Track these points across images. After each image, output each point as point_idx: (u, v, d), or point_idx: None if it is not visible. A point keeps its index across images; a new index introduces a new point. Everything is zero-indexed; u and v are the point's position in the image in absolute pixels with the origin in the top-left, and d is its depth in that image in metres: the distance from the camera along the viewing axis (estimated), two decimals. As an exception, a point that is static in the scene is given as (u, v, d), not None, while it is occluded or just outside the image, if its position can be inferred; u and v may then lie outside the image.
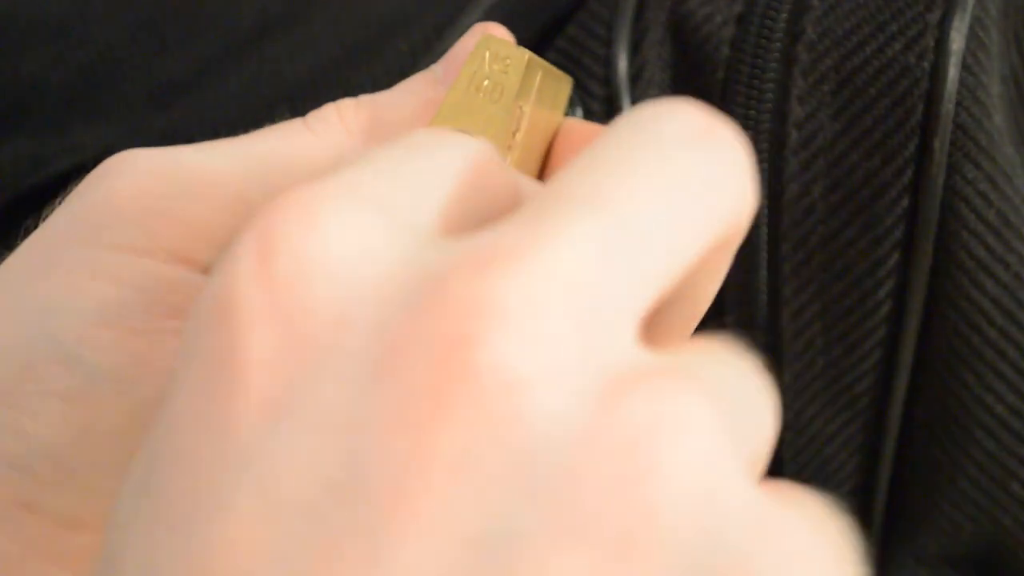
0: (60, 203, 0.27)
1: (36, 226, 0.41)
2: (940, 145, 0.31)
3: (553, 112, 0.29)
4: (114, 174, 0.26)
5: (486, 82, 0.27)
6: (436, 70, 0.29)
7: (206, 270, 0.26)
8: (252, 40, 0.43)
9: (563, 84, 0.30)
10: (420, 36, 0.38)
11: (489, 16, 0.37)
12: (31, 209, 0.42)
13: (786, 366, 0.35)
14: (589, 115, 0.34)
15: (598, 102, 0.34)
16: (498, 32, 0.29)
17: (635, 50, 0.34)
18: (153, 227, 0.25)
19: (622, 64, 0.34)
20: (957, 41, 0.31)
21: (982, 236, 0.32)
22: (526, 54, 0.27)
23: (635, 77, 0.34)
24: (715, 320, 0.35)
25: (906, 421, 0.35)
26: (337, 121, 0.28)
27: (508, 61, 0.27)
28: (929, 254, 0.32)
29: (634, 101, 0.34)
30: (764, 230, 0.33)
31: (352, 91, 0.37)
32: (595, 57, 0.34)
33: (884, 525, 0.37)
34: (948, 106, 0.31)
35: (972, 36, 0.31)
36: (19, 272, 0.25)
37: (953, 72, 0.31)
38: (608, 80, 0.34)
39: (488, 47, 0.27)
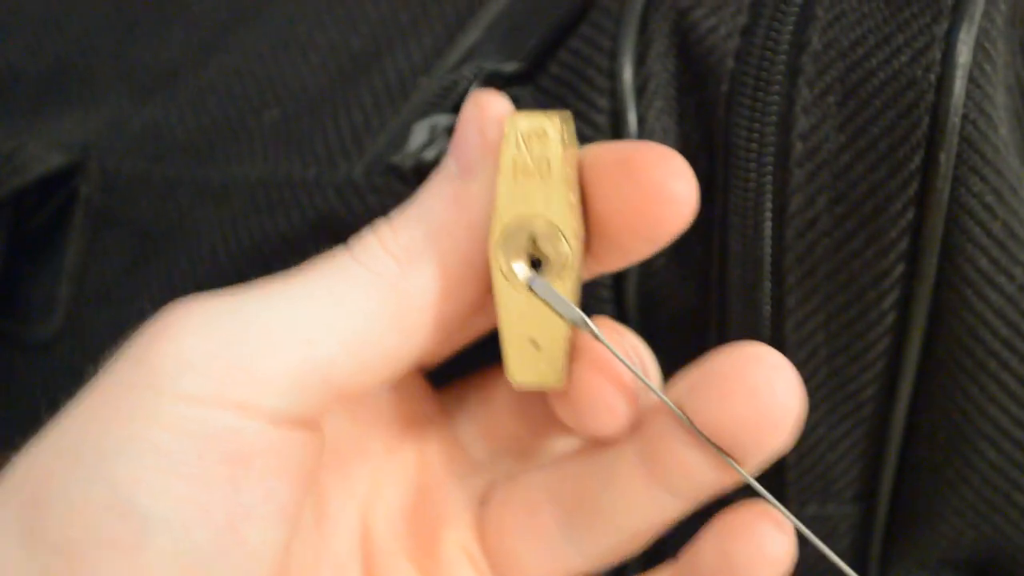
0: (118, 351, 0.27)
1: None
2: (946, 158, 0.31)
3: (574, 148, 0.29)
4: (178, 322, 0.26)
5: (529, 162, 0.27)
6: (449, 166, 0.29)
7: (269, 418, 0.26)
8: (227, 28, 0.42)
9: (570, 119, 0.30)
10: (419, 54, 0.38)
11: (490, 32, 0.37)
12: (8, 212, 0.42)
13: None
14: (593, 128, 0.34)
15: (603, 115, 0.34)
16: (496, 104, 0.28)
17: (640, 62, 0.34)
18: (219, 376, 0.26)
19: (627, 76, 0.33)
20: (964, 53, 0.31)
21: (987, 249, 0.32)
22: (556, 120, 0.27)
23: (640, 89, 0.34)
24: (718, 329, 0.35)
25: (909, 429, 0.35)
26: (380, 248, 0.28)
27: (543, 132, 0.27)
28: (934, 266, 0.32)
29: (639, 113, 0.34)
30: (768, 241, 0.33)
31: (350, 106, 0.37)
32: (599, 69, 0.34)
33: (887, 531, 0.37)
34: (954, 119, 0.31)
35: (979, 48, 0.31)
36: (81, 417, 0.26)
37: (959, 85, 0.31)
38: (613, 92, 0.33)
39: (516, 127, 0.27)
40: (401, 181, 0.35)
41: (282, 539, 0.27)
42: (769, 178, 0.32)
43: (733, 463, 0.27)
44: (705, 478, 0.28)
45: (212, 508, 0.25)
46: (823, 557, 0.38)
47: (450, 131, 0.34)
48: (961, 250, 0.32)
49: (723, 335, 0.35)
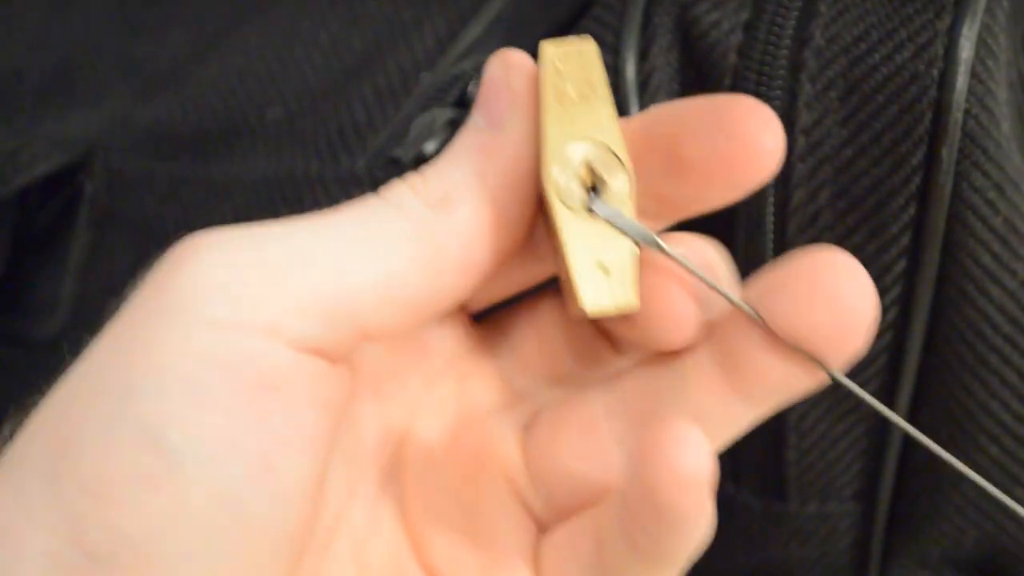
0: (140, 282, 0.26)
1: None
2: (948, 153, 0.31)
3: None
4: (202, 248, 0.26)
5: (570, 86, 0.27)
6: (476, 120, 0.29)
7: (295, 344, 0.26)
8: (230, 26, 0.43)
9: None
10: (421, 49, 0.38)
11: (493, 28, 0.37)
12: (13, 210, 0.42)
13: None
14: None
15: (606, 109, 0.34)
16: (518, 58, 0.28)
17: (643, 57, 0.34)
18: (243, 300, 0.25)
19: (630, 71, 0.34)
20: (966, 49, 0.31)
21: (989, 244, 0.32)
22: (591, 41, 0.27)
23: (643, 84, 0.34)
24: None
25: (911, 424, 0.35)
26: (411, 194, 0.28)
27: (581, 53, 0.27)
28: (935, 262, 0.32)
29: (642, 108, 0.34)
30: (770, 235, 0.33)
31: (353, 102, 0.37)
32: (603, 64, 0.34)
33: (888, 528, 0.37)
34: (956, 114, 0.31)
35: (981, 43, 0.31)
36: (105, 351, 0.25)
37: (962, 80, 0.31)
38: (616, 87, 0.34)
39: (551, 55, 0.27)
40: (402, 174, 0.35)
41: (313, 472, 0.26)
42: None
43: (820, 364, 0.26)
44: (783, 383, 0.27)
45: (243, 440, 0.24)
46: (824, 555, 0.38)
47: (450, 124, 0.35)
48: (963, 245, 0.32)
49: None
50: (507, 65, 0.28)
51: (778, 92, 0.32)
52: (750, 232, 0.33)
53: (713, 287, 0.27)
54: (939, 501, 0.36)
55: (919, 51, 0.31)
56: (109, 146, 0.43)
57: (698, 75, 0.34)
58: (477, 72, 0.35)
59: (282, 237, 0.26)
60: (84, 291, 0.43)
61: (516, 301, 0.32)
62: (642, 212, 0.28)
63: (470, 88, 0.35)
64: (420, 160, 0.34)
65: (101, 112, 0.44)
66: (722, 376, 0.27)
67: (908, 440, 0.35)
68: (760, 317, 0.26)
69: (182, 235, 0.40)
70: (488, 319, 0.32)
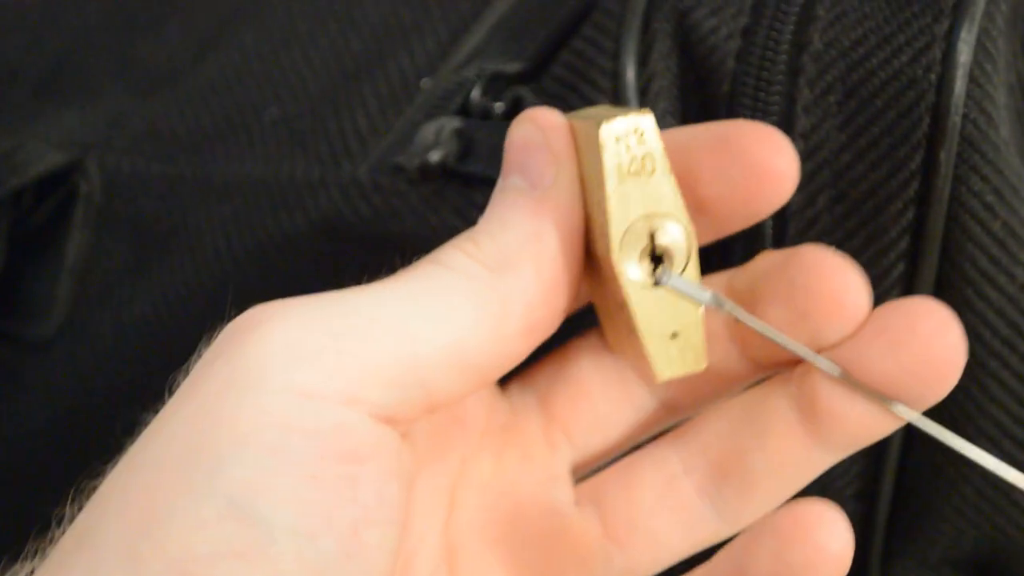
0: (201, 354, 0.26)
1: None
2: (946, 157, 0.31)
3: None
4: (272, 318, 0.25)
5: (632, 163, 0.27)
6: (515, 183, 0.29)
7: (377, 412, 0.25)
8: (226, 25, 0.42)
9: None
10: (422, 53, 0.38)
11: (494, 33, 0.37)
12: (8, 210, 0.42)
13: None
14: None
15: (606, 115, 0.34)
16: (550, 117, 0.29)
17: (642, 63, 0.34)
18: (326, 367, 0.25)
19: (630, 77, 0.34)
20: (964, 53, 0.31)
21: (987, 248, 0.32)
22: (649, 114, 0.27)
23: (643, 90, 0.34)
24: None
25: (910, 428, 0.35)
26: (467, 258, 0.28)
27: (640, 130, 0.27)
28: (934, 265, 0.32)
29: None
30: (769, 239, 0.33)
31: (354, 107, 0.37)
32: (602, 70, 0.34)
33: (888, 529, 0.37)
34: (955, 118, 0.31)
35: (979, 47, 0.31)
36: (181, 425, 0.25)
37: (960, 84, 0.31)
38: (616, 93, 0.34)
39: (612, 132, 0.27)
40: (406, 181, 0.35)
41: (396, 545, 0.25)
42: (771, 177, 0.32)
43: (907, 411, 0.27)
44: (863, 429, 0.28)
45: (335, 512, 0.24)
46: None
47: (457, 133, 0.34)
48: (962, 249, 0.32)
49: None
50: (541, 126, 0.28)
51: (776, 97, 0.32)
52: (748, 236, 0.33)
53: (791, 346, 0.27)
54: (937, 503, 0.36)
55: (917, 55, 0.31)
56: (104, 146, 0.42)
57: (697, 80, 0.34)
58: (480, 79, 0.35)
59: (347, 305, 0.26)
60: (80, 292, 0.43)
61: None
62: None
63: (473, 96, 0.35)
64: (424, 168, 0.34)
65: (96, 111, 0.44)
66: (801, 425, 0.28)
67: (908, 442, 0.35)
68: (842, 371, 0.27)
69: (179, 235, 0.40)
70: (517, 377, 0.33)
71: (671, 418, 0.31)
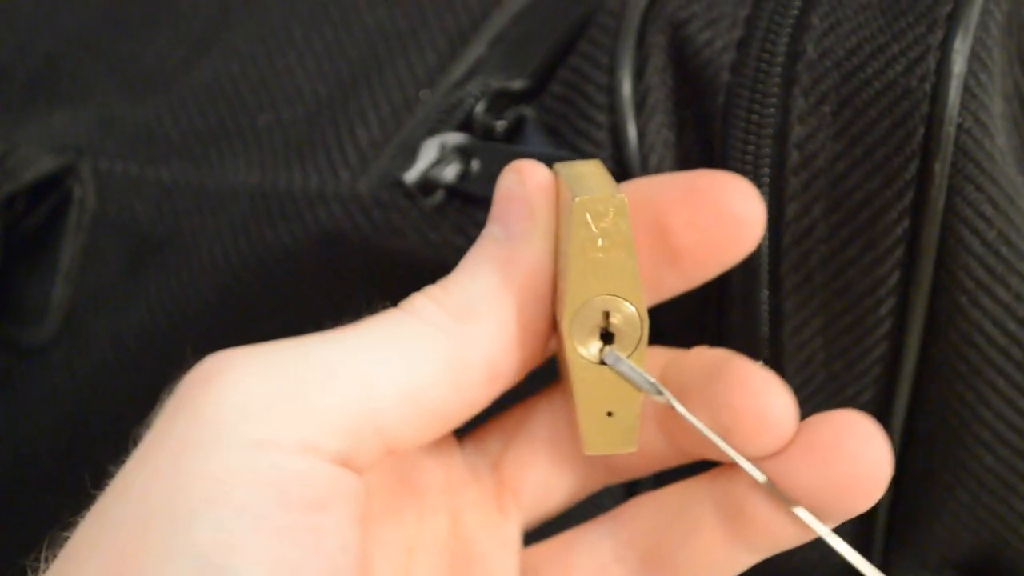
0: (160, 410, 0.26)
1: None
2: (941, 168, 0.31)
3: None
4: (229, 368, 0.26)
5: (600, 241, 0.27)
6: (494, 232, 0.29)
7: (335, 458, 0.25)
8: (218, 27, 0.42)
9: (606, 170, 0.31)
10: (421, 65, 0.37)
11: (494, 48, 0.37)
12: (2, 214, 0.42)
13: (787, 378, 0.35)
14: (594, 144, 0.34)
15: (603, 130, 0.34)
16: (538, 173, 0.29)
17: (638, 77, 0.34)
18: (282, 418, 0.25)
19: (626, 91, 0.34)
20: (959, 63, 0.31)
21: (982, 257, 0.32)
22: (624, 199, 0.27)
23: (639, 104, 0.34)
24: (717, 331, 0.35)
25: (907, 434, 0.35)
26: (434, 305, 0.28)
27: (611, 212, 0.27)
28: (929, 274, 0.32)
29: (639, 128, 0.34)
30: (765, 248, 0.33)
31: (352, 118, 0.37)
32: (598, 85, 0.34)
33: (887, 532, 0.38)
34: (949, 129, 0.31)
35: (974, 57, 0.31)
36: (145, 484, 0.25)
37: (954, 95, 0.31)
38: (612, 108, 0.34)
39: (586, 208, 0.27)
40: (407, 197, 0.35)
41: None
42: (766, 189, 0.33)
43: (822, 529, 0.27)
44: (785, 536, 0.28)
45: (303, 564, 0.24)
46: (825, 556, 0.38)
47: (458, 150, 0.35)
48: (956, 258, 0.32)
49: (721, 341, 0.35)
50: (523, 179, 0.29)
51: (771, 109, 0.32)
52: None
53: (724, 449, 0.27)
54: (935, 507, 0.36)
55: (911, 65, 0.31)
56: (98, 149, 0.42)
57: (692, 93, 0.34)
58: (482, 94, 0.35)
59: (306, 352, 0.26)
60: (75, 297, 0.43)
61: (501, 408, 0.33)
62: None
63: (476, 112, 0.35)
64: (426, 185, 0.34)
65: (89, 112, 0.44)
66: (726, 526, 0.28)
67: (906, 445, 0.36)
68: (768, 481, 0.27)
69: (174, 241, 0.40)
70: (473, 435, 0.33)
71: (613, 481, 0.32)
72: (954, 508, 0.36)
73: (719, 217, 0.28)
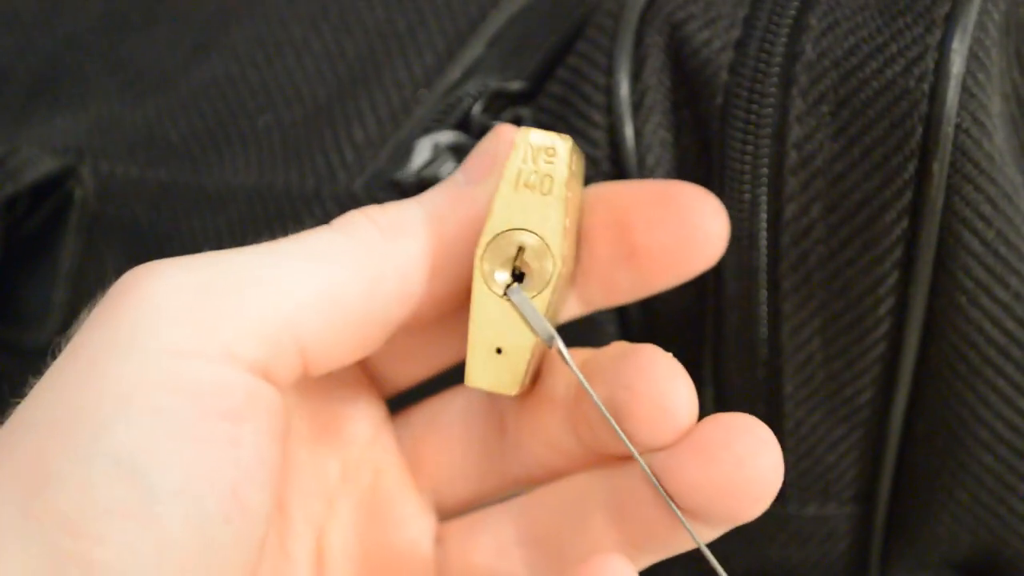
0: (86, 315, 0.26)
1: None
2: (939, 168, 0.31)
3: (580, 182, 0.30)
4: (149, 277, 0.26)
5: (533, 176, 0.27)
6: (457, 177, 0.29)
7: (254, 368, 0.26)
8: (218, 28, 0.42)
9: (582, 155, 0.31)
10: (419, 65, 0.37)
11: (492, 48, 0.37)
12: (2, 216, 0.42)
13: (786, 378, 0.35)
14: (591, 144, 0.34)
15: (600, 130, 0.34)
16: (511, 132, 0.29)
17: (636, 77, 0.34)
18: (200, 325, 0.25)
19: (623, 91, 0.34)
20: (957, 63, 0.31)
21: (981, 257, 0.32)
22: (569, 140, 0.27)
23: (637, 104, 0.34)
24: (715, 331, 0.35)
25: (907, 433, 0.35)
26: (365, 219, 0.28)
27: (552, 151, 0.27)
28: (928, 274, 0.32)
29: (636, 128, 0.34)
30: (764, 251, 0.33)
31: (350, 119, 0.37)
32: (596, 85, 0.34)
33: (886, 530, 0.38)
34: (947, 129, 0.31)
35: (972, 57, 0.31)
36: (68, 386, 0.25)
37: (953, 95, 0.31)
38: (610, 108, 0.34)
39: (529, 139, 0.27)
40: (402, 197, 0.35)
41: (272, 505, 0.26)
42: (764, 190, 0.33)
43: (691, 530, 0.27)
44: (672, 540, 0.27)
45: (217, 472, 0.24)
46: (824, 557, 0.38)
47: (452, 149, 0.35)
48: (955, 258, 0.32)
49: (719, 341, 0.35)
50: (498, 136, 0.29)
51: (769, 109, 0.32)
52: (743, 248, 0.33)
53: (613, 425, 0.27)
54: (934, 507, 0.36)
55: (910, 65, 0.31)
56: (98, 151, 0.42)
57: (690, 93, 0.34)
58: (479, 95, 0.35)
59: (225, 262, 0.26)
60: (75, 298, 0.43)
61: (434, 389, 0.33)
62: (589, 299, 0.31)
63: (473, 112, 0.35)
64: (421, 184, 0.34)
65: (89, 114, 0.44)
66: (614, 521, 0.28)
67: (905, 444, 0.36)
68: (651, 472, 0.27)
69: (173, 243, 0.40)
70: (405, 410, 0.33)
71: (526, 475, 0.31)
72: (953, 508, 0.36)
73: (681, 224, 0.29)
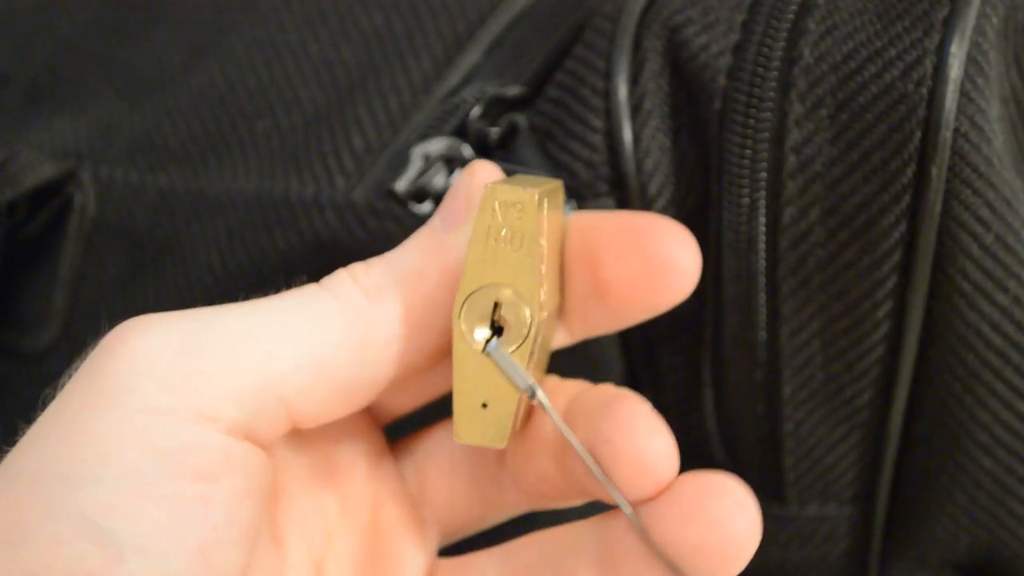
0: (76, 367, 0.27)
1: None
2: (938, 172, 0.31)
3: (558, 215, 0.30)
4: (134, 334, 0.26)
5: (504, 231, 0.27)
6: (435, 222, 0.29)
7: (233, 428, 0.26)
8: (216, 32, 0.42)
9: (558, 188, 0.31)
10: (417, 71, 0.37)
11: (490, 54, 0.37)
12: (2, 221, 0.42)
13: (786, 380, 0.35)
14: (589, 148, 0.34)
15: (598, 135, 0.34)
16: (487, 171, 0.29)
17: (634, 81, 0.34)
18: (179, 386, 0.25)
19: (622, 95, 0.34)
20: (955, 68, 0.31)
21: (980, 261, 0.32)
22: (535, 195, 0.27)
23: (635, 108, 0.34)
24: (715, 334, 0.35)
25: (906, 435, 0.35)
26: (350, 280, 0.28)
27: (519, 206, 0.27)
28: (927, 278, 0.32)
29: (634, 132, 0.34)
30: (762, 252, 0.33)
31: (349, 126, 0.37)
32: (594, 90, 0.34)
33: (886, 531, 0.38)
34: (946, 133, 0.31)
35: (971, 61, 0.31)
36: (44, 442, 0.25)
37: (951, 99, 0.31)
38: (608, 112, 0.34)
39: (495, 196, 0.28)
40: (400, 205, 0.35)
41: (244, 565, 0.26)
42: (763, 193, 0.33)
43: None
44: None
45: (185, 532, 0.25)
46: (824, 556, 0.38)
47: (444, 157, 0.35)
48: (954, 262, 0.32)
49: (719, 344, 0.35)
50: (472, 176, 0.29)
51: (768, 114, 0.32)
52: (741, 253, 0.33)
53: (602, 481, 0.27)
54: (933, 508, 0.36)
55: (908, 69, 0.31)
56: (98, 156, 0.42)
57: (689, 98, 0.34)
58: (477, 101, 0.35)
59: (210, 321, 0.27)
60: (75, 303, 0.43)
61: (431, 417, 0.33)
62: (571, 330, 0.31)
63: (471, 117, 0.35)
64: (417, 193, 0.34)
65: (88, 118, 0.44)
66: (599, 573, 0.28)
67: (903, 447, 0.36)
68: (640, 524, 0.27)
69: (172, 248, 0.40)
70: (402, 440, 0.33)
71: (526, 502, 0.32)
72: (952, 510, 0.36)
73: (647, 259, 0.29)
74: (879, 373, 0.34)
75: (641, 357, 0.37)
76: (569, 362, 0.34)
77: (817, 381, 0.35)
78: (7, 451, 0.26)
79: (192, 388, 0.25)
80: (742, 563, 0.26)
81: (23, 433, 0.26)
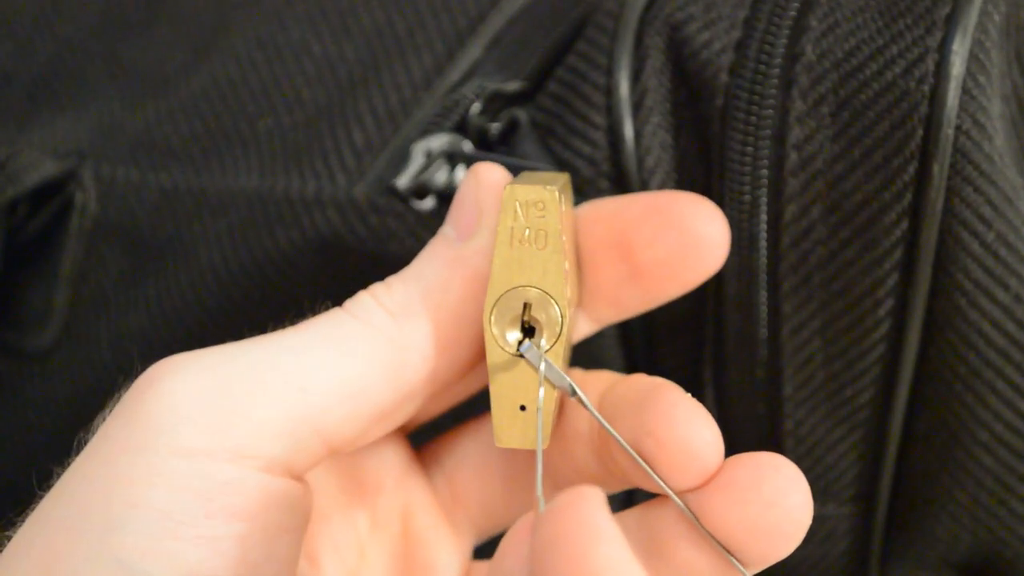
0: (110, 410, 0.27)
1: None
2: (939, 169, 0.31)
3: (571, 209, 0.30)
4: (166, 375, 0.26)
5: (527, 231, 0.27)
6: (447, 231, 0.29)
7: (271, 465, 0.26)
8: (217, 30, 0.42)
9: (568, 182, 0.31)
10: (418, 68, 0.37)
11: (491, 50, 0.37)
12: (3, 220, 0.42)
13: (786, 378, 0.35)
14: (591, 145, 0.34)
15: (600, 131, 0.34)
16: (492, 174, 0.29)
17: (636, 78, 0.34)
18: (214, 426, 0.25)
19: (623, 92, 0.34)
20: (957, 65, 0.31)
21: (981, 259, 0.32)
22: (555, 192, 0.27)
23: (636, 105, 0.34)
24: (715, 332, 0.35)
25: (906, 434, 0.35)
26: (375, 304, 0.28)
27: (540, 205, 0.27)
28: (928, 276, 0.32)
29: (636, 129, 0.34)
30: (763, 249, 0.33)
31: (350, 122, 0.37)
32: (595, 86, 0.34)
33: (886, 530, 0.38)
34: (948, 131, 0.31)
35: (973, 59, 0.31)
36: (80, 487, 0.25)
37: (953, 96, 0.31)
38: (610, 109, 0.34)
39: (516, 197, 0.28)
40: (402, 202, 0.35)
41: None
42: (764, 191, 0.33)
43: (740, 568, 0.26)
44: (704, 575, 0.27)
45: (221, 570, 0.25)
46: (824, 556, 0.38)
47: (445, 154, 0.35)
48: (955, 260, 0.32)
49: (720, 342, 0.35)
50: (478, 180, 0.29)
51: (769, 111, 0.32)
52: (743, 250, 0.33)
53: (646, 469, 0.27)
54: (934, 507, 0.36)
55: (910, 67, 0.31)
56: (99, 155, 0.42)
57: (690, 94, 0.34)
58: (477, 97, 0.35)
59: (241, 358, 0.27)
60: (76, 302, 0.43)
61: (456, 418, 0.33)
62: (598, 317, 0.31)
63: (471, 113, 0.35)
64: (419, 190, 0.34)
65: (90, 117, 0.44)
66: (649, 565, 0.28)
67: (904, 445, 0.36)
68: (691, 511, 0.27)
69: (174, 247, 0.40)
70: (432, 444, 0.33)
71: None
72: (952, 508, 0.36)
73: (681, 236, 0.29)
74: (880, 371, 0.34)
75: (642, 355, 0.37)
76: (570, 361, 0.34)
77: (818, 380, 0.35)
78: (41, 495, 0.26)
79: (227, 427, 0.26)
80: (798, 540, 0.26)
81: (58, 477, 0.26)
